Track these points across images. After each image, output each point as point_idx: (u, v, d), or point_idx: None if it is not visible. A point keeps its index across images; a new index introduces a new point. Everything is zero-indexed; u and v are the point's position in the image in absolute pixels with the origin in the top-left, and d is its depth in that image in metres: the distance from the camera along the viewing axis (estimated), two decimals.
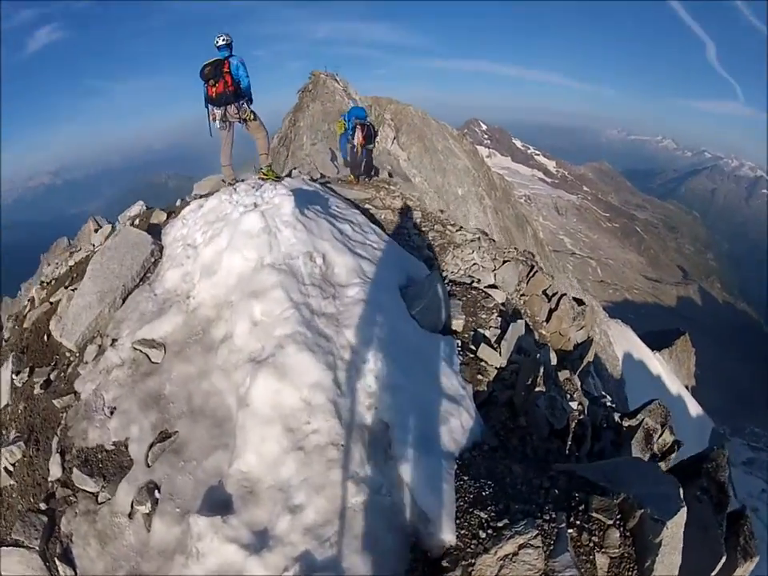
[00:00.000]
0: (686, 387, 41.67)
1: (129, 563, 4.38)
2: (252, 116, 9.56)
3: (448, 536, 3.83)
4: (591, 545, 3.61)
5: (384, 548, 3.83)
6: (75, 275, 8.11)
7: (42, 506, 5.00)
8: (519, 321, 7.22)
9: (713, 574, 3.76)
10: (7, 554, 4.67)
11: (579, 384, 7.72)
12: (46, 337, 7.16)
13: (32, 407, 6.15)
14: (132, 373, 5.68)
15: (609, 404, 8.68)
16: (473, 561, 3.55)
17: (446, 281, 8.50)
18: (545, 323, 9.76)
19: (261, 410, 4.61)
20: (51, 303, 7.85)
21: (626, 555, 3.58)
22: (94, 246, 9.41)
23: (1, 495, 5.40)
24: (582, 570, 3.44)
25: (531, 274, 10.27)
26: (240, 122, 9.60)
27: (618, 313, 59.10)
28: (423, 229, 10.83)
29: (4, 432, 6.10)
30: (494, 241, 11.71)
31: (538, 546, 3.39)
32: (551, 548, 3.48)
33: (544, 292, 10.12)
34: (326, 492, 4.05)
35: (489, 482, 4.20)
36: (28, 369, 6.71)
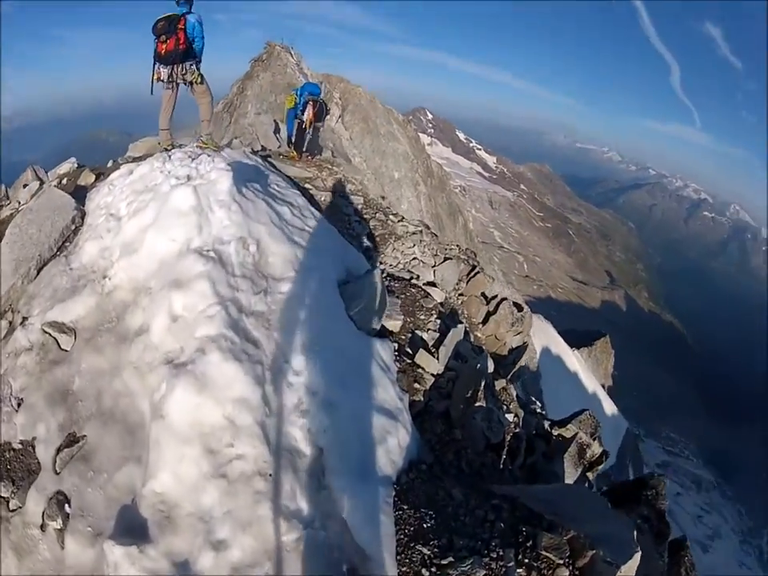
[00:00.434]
0: (603, 387, 42.18)
1: None
2: (199, 79, 8.87)
3: (389, 574, 3.49)
4: None
5: None
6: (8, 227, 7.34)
7: None
8: (459, 325, 7.06)
9: None
10: None
11: (515, 394, 7.57)
12: None
13: None
14: (40, 360, 5.13)
15: (539, 410, 8.57)
16: None
17: (385, 275, 8.22)
18: (481, 326, 9.59)
19: (178, 425, 4.10)
20: None
21: None
22: (19, 203, 8.73)
23: None
24: None
25: (472, 274, 10.05)
26: (186, 84, 8.88)
27: (541, 308, 60.31)
28: (365, 216, 10.46)
29: None
30: (435, 235, 11.42)
31: None
32: None
33: (483, 294, 9.90)
34: (253, 529, 3.69)
35: (430, 512, 3.98)
36: None
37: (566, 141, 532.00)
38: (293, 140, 13.38)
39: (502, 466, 5.64)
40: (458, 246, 11.52)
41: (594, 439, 6.76)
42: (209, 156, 7.09)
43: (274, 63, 32.55)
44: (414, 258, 9.24)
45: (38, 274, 6.13)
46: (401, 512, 3.98)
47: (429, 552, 3.60)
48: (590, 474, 6.65)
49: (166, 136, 9.24)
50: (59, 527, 4.10)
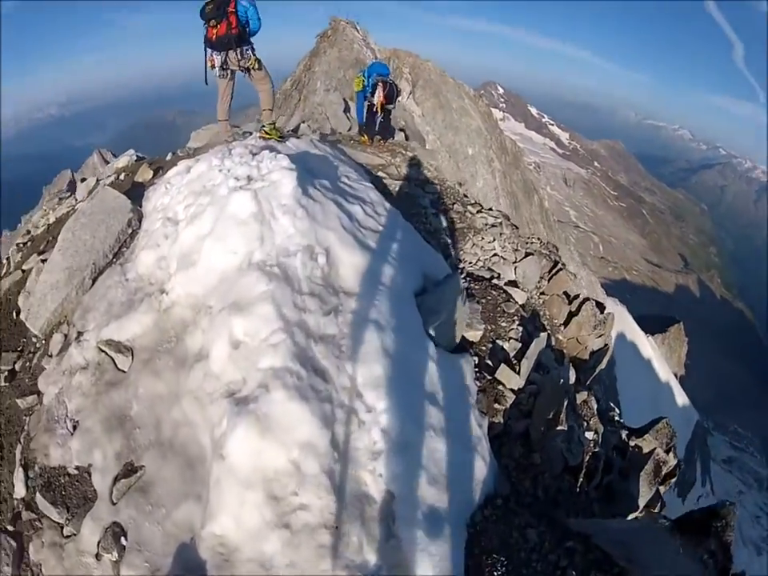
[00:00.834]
0: (675, 375, 42.30)
1: None
2: (257, 65, 8.28)
3: None
4: None
5: None
6: (51, 238, 7.42)
7: (10, 528, 4.46)
8: (542, 334, 6.50)
9: None
10: None
11: (595, 407, 7.13)
12: (15, 314, 6.37)
13: None
14: (96, 381, 4.89)
15: (617, 418, 8.01)
16: None
17: (464, 275, 7.74)
18: (563, 327, 8.93)
19: (239, 468, 3.75)
20: (23, 271, 7.10)
21: None
22: (76, 200, 8.58)
23: None
24: None
25: (554, 270, 9.38)
26: (242, 70, 8.33)
27: (616, 291, 59.94)
28: (442, 207, 9.78)
29: None
30: (516, 227, 10.68)
31: None
32: None
33: (565, 293, 9.24)
34: None
35: (501, 558, 3.73)
36: None
37: (637, 118, 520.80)
38: (363, 124, 12.62)
39: (578, 489, 5.42)
40: (539, 239, 10.78)
41: (669, 450, 6.42)
42: (271, 151, 6.54)
43: (339, 39, 31.99)
44: (495, 254, 8.66)
45: (93, 283, 5.92)
46: (472, 560, 3.74)
47: None
48: (662, 488, 6.31)
49: (225, 127, 8.91)
50: (115, 559, 3.92)
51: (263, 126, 8.80)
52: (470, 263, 8.35)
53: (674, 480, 6.40)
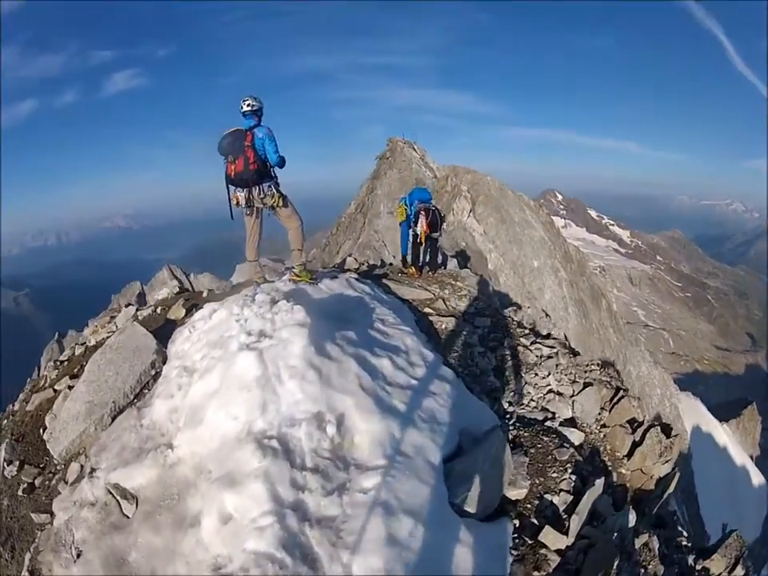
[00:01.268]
0: (751, 457, 41.84)
1: None
2: (281, 202, 7.86)
3: None
4: None
5: None
6: (84, 363, 7.29)
7: None
8: (598, 482, 5.75)
9: None
10: None
11: (656, 547, 6.27)
12: (42, 430, 6.53)
13: (14, 508, 5.78)
14: (101, 519, 4.80)
15: (684, 543, 7.27)
16: None
17: (514, 419, 7.16)
18: (626, 459, 8.18)
19: None
20: (55, 391, 7.17)
21: None
22: (116, 326, 8.64)
23: None
24: None
25: (616, 399, 8.69)
26: (267, 208, 7.96)
27: (689, 384, 59.74)
28: (491, 344, 9.18)
29: None
30: (574, 354, 9.95)
31: None
32: None
33: (628, 421, 8.55)
34: None
35: None
36: (18, 462, 6.20)
37: (690, 201, 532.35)
38: (408, 257, 12.00)
39: None
40: (598, 364, 10.06)
41: (737, 563, 6.04)
42: (289, 301, 6.37)
43: (398, 159, 32.78)
44: (550, 390, 8.07)
45: (112, 421, 5.95)
46: None
47: None
48: None
49: (254, 268, 8.44)
50: None
51: (293, 268, 8.44)
52: (522, 405, 7.79)
53: None
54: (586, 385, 8.42)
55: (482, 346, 8.78)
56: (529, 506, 5.39)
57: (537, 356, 8.89)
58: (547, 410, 7.62)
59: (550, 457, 6.27)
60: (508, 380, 8.14)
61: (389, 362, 5.79)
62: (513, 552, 4.63)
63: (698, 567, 5.94)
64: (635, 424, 8.43)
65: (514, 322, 10.34)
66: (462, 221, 29.98)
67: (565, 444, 6.66)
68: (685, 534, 8.05)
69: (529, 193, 40.86)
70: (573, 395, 8.13)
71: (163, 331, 6.95)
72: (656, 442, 8.21)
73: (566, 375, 8.49)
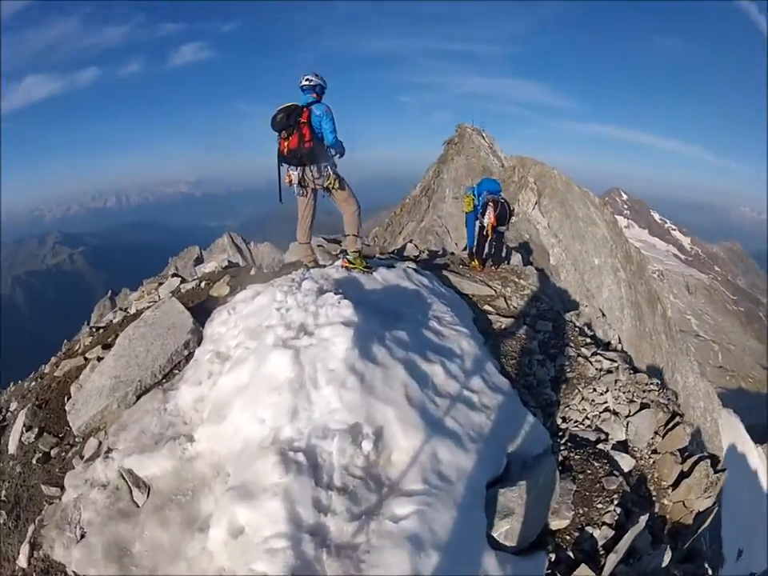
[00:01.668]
0: None
1: None
2: (337, 184, 7.42)
3: None
4: None
5: None
6: (120, 333, 7.05)
7: None
8: (642, 518, 5.33)
9: None
10: None
11: None
12: (66, 399, 6.35)
13: (26, 476, 5.64)
14: (110, 503, 4.65)
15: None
16: None
17: (565, 437, 6.74)
18: (671, 490, 7.65)
19: None
20: (86, 359, 6.97)
21: None
22: (159, 297, 8.48)
23: None
24: None
25: (670, 425, 8.13)
26: (322, 189, 7.53)
27: (731, 401, 58.02)
28: (551, 352, 8.63)
29: None
30: (634, 371, 9.32)
31: None
32: None
33: (679, 450, 8.01)
34: None
35: None
36: (38, 429, 6.07)
37: (751, 213, 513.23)
38: (473, 249, 11.53)
39: None
40: (657, 383, 9.45)
41: None
42: (337, 293, 5.95)
43: (466, 146, 32.45)
44: (606, 409, 7.53)
45: (136, 399, 5.69)
46: None
47: None
48: None
49: (305, 251, 8.09)
50: None
51: (347, 254, 8.02)
52: (576, 422, 7.31)
53: None
54: (643, 406, 7.85)
55: (541, 353, 8.31)
56: (568, 537, 5.05)
57: (596, 369, 8.30)
58: (601, 431, 7.12)
59: (598, 485, 5.89)
60: (565, 393, 7.67)
61: (441, 369, 5.35)
62: None
63: None
64: (685, 453, 7.93)
65: (576, 329, 9.71)
66: (527, 212, 29.56)
67: (615, 472, 6.24)
68: (710, 572, 7.61)
69: (594, 189, 40.05)
70: (628, 415, 7.56)
71: (204, 307, 6.77)
72: (704, 475, 7.67)
73: (623, 393, 7.92)
